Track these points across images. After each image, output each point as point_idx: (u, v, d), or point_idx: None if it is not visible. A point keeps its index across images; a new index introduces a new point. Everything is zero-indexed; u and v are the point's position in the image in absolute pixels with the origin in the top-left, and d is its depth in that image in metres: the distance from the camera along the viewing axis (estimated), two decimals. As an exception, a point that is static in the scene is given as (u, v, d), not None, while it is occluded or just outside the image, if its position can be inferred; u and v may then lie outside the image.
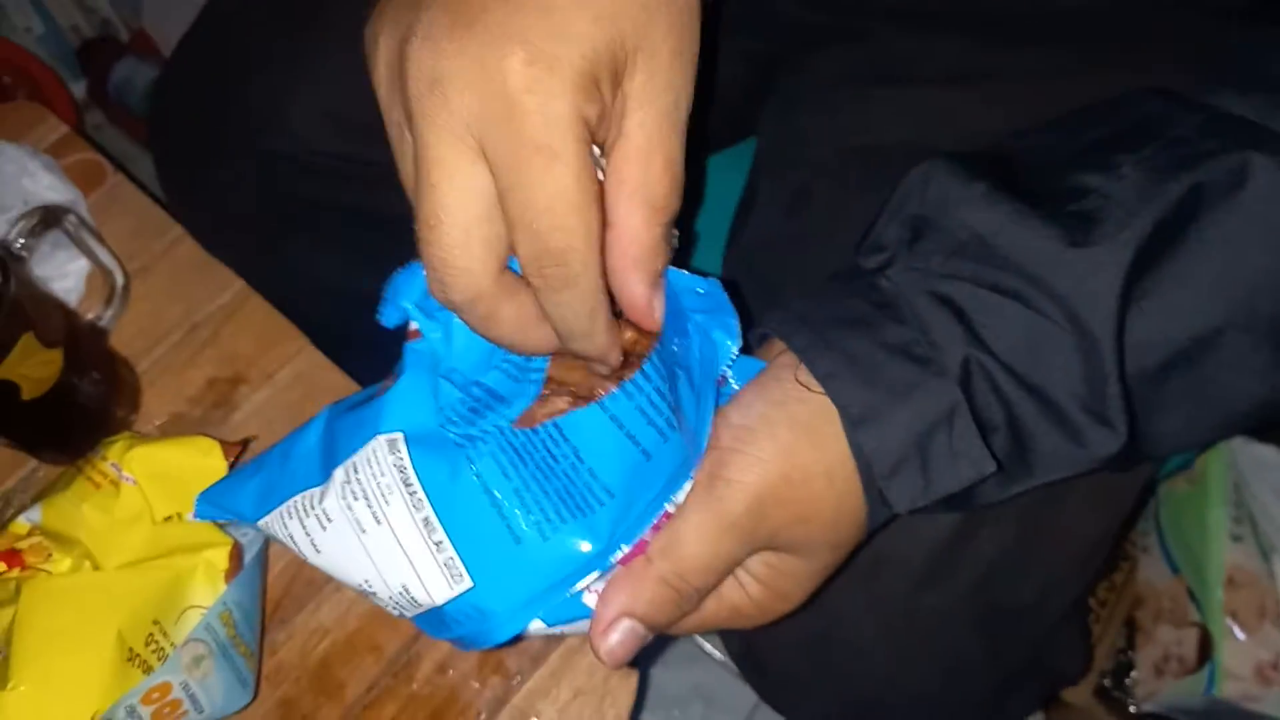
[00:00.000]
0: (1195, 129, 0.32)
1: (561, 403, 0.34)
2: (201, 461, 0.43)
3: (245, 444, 0.47)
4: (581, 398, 0.35)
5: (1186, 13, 0.43)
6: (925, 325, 0.32)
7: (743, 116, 0.56)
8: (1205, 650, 0.81)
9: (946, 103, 0.46)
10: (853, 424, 0.32)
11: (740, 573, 0.34)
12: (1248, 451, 0.85)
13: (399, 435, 0.33)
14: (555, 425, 0.33)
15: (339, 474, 0.34)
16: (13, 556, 0.40)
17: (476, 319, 0.31)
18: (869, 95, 0.48)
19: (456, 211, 0.29)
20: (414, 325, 0.35)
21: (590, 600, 0.33)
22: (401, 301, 0.35)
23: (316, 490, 0.34)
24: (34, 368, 0.43)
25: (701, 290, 0.34)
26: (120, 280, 0.54)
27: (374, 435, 0.34)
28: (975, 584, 0.43)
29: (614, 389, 0.33)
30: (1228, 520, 0.83)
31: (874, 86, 0.48)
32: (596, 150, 0.30)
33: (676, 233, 0.32)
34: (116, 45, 1.23)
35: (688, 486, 0.32)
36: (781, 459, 0.31)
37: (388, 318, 0.35)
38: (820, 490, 0.32)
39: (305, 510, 0.34)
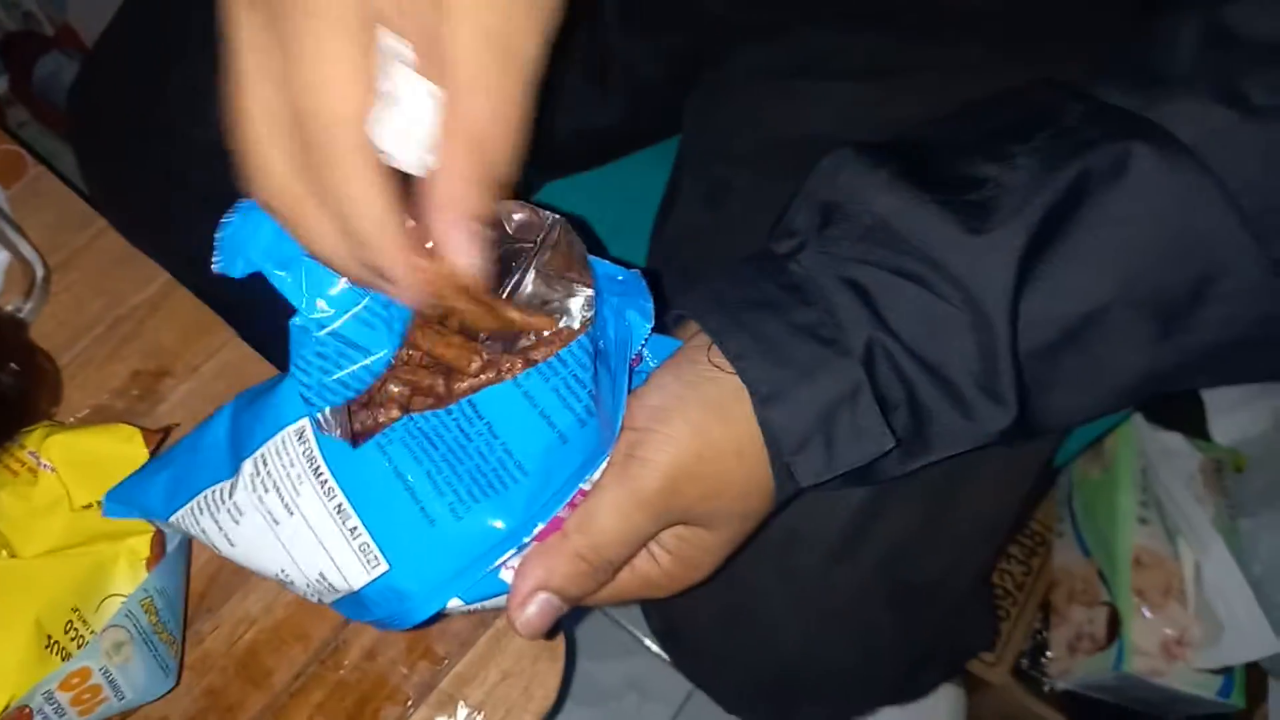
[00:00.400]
0: (1080, 118, 0.34)
1: (421, 377, 0.35)
2: (122, 448, 0.43)
3: (167, 431, 0.47)
4: (441, 378, 0.35)
5: (1082, 9, 0.45)
6: (832, 307, 0.34)
7: (666, 113, 0.57)
8: (1114, 628, 0.85)
9: (862, 96, 0.48)
10: (761, 402, 0.33)
11: (652, 545, 0.35)
12: (1155, 439, 0.89)
13: (305, 423, 0.33)
14: (469, 402, 0.33)
15: (248, 466, 0.34)
16: (-73, 546, 0.40)
17: (286, 223, 0.31)
18: (788, 89, 0.49)
19: (258, 103, 0.29)
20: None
21: (507, 576, 0.34)
22: (249, 252, 0.34)
23: (226, 484, 0.34)
24: (-50, 359, 0.43)
25: (620, 278, 0.35)
26: (40, 272, 0.53)
27: (280, 424, 0.34)
28: (885, 559, 0.44)
29: (528, 367, 0.34)
30: (1135, 505, 0.87)
31: (793, 80, 0.49)
32: (407, 50, 0.29)
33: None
34: (40, 40, 1.20)
35: (603, 465, 0.33)
36: (694, 438, 0.33)
37: (233, 268, 0.34)
38: (731, 467, 0.33)
39: (216, 504, 0.34)
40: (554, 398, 0.33)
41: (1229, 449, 0.92)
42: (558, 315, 0.36)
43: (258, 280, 0.53)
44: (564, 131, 0.56)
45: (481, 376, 0.35)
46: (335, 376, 0.34)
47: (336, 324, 0.35)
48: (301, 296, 0.34)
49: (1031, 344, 0.34)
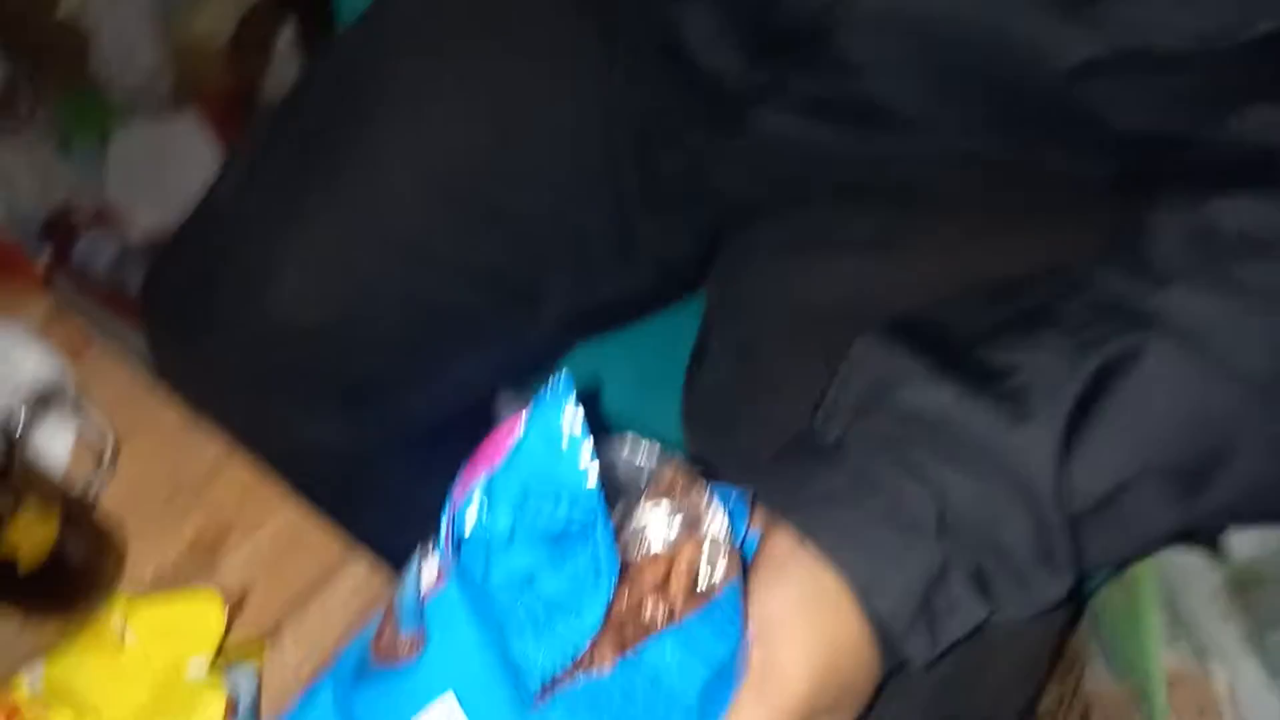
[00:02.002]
0: (1092, 310, 0.39)
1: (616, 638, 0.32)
2: (201, 612, 0.45)
3: (243, 595, 0.49)
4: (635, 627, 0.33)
5: (1059, 194, 0.50)
6: (900, 495, 0.37)
7: (692, 278, 0.62)
8: (1155, 752, 0.84)
9: (872, 265, 0.52)
10: (864, 594, 0.36)
11: None
12: (1174, 558, 0.90)
13: (452, 700, 0.31)
14: (630, 663, 0.32)
15: None
16: (13, 714, 0.41)
17: None
18: (805, 259, 0.54)
19: None
20: (431, 573, 0.33)
21: None
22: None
23: None
24: (30, 539, 0.45)
25: (730, 500, 0.37)
26: (110, 445, 0.56)
27: (420, 707, 0.31)
28: (933, 696, 0.46)
29: (687, 610, 0.32)
30: (1163, 625, 0.87)
31: (809, 251, 0.54)
32: None
33: None
34: (79, 220, 1.27)
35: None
36: (820, 643, 0.35)
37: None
38: (856, 663, 0.36)
39: None
40: (712, 637, 0.33)
41: (1248, 564, 0.93)
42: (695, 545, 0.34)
43: (320, 456, 0.56)
44: (592, 303, 0.60)
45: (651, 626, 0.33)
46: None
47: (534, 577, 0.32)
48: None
49: (1070, 512, 0.37)
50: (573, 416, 0.31)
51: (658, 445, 0.36)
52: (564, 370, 0.33)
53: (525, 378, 0.65)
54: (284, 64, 1.30)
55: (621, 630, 0.32)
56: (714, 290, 0.59)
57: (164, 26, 1.15)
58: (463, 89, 0.55)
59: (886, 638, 0.36)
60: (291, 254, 0.54)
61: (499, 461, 0.32)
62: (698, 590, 0.33)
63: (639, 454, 0.36)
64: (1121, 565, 0.44)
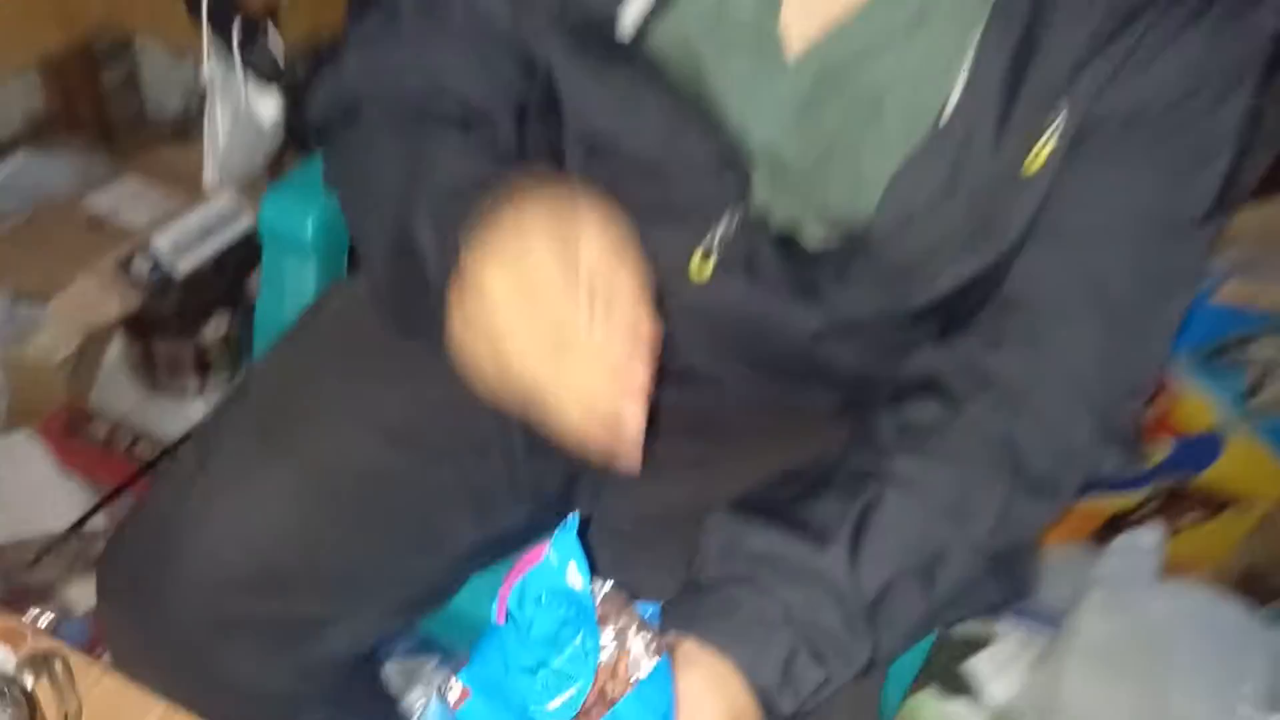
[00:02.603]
0: (850, 476, 0.60)
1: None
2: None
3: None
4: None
5: (811, 416, 0.74)
6: (760, 608, 0.55)
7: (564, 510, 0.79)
8: None
9: (697, 477, 0.72)
10: (747, 672, 0.54)
11: None
12: (945, 707, 1.11)
13: None
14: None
15: None
16: None
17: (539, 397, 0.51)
18: (653, 482, 0.72)
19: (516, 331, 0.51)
20: (455, 693, 0.49)
21: None
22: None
23: None
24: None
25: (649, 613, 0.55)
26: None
27: None
28: None
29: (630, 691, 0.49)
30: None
31: (654, 476, 0.73)
32: None
33: None
34: None
35: None
36: (726, 708, 0.53)
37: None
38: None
39: None
40: (650, 703, 0.49)
41: (1004, 708, 1.15)
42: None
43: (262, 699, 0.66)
44: (486, 540, 0.75)
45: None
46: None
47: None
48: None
49: (863, 605, 0.57)
50: (574, 547, 0.49)
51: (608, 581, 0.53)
52: (571, 516, 0.51)
53: (428, 609, 0.76)
54: (110, 378, 1.39)
55: (595, 704, 0.49)
56: (580, 505, 0.76)
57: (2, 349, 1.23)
58: (376, 401, 0.69)
59: (765, 700, 0.54)
60: (223, 513, 0.65)
61: (529, 571, 0.49)
62: (632, 679, 0.50)
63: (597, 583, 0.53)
64: (906, 650, 0.63)
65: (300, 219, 0.76)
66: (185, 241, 1.24)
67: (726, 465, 0.73)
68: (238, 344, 1.41)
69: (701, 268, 0.65)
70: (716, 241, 0.64)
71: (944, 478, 0.59)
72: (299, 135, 1.09)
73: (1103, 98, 0.55)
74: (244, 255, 1.35)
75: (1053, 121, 0.55)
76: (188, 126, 1.74)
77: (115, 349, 1.37)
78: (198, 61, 1.69)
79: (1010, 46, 0.55)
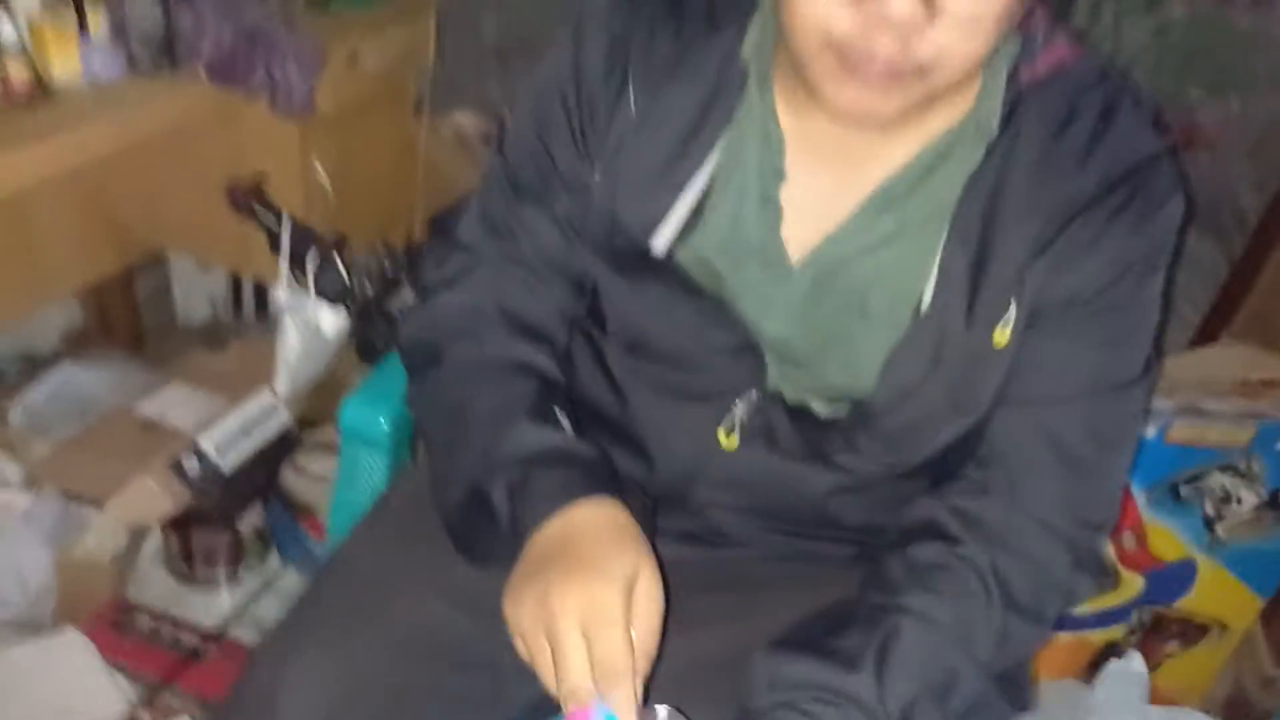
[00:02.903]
0: (870, 609, 0.70)
1: None
2: None
3: None
4: None
5: (828, 565, 0.84)
6: None
7: None
8: None
9: (733, 631, 0.80)
10: None
11: None
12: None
13: None
14: None
15: None
16: None
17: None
18: (691, 636, 0.81)
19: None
20: None
21: None
22: None
23: None
24: None
25: None
26: None
27: None
28: None
29: None
30: None
31: (691, 631, 0.82)
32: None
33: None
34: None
35: None
36: None
37: None
38: None
39: None
40: None
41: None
42: None
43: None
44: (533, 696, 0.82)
45: None
46: None
47: None
48: None
49: None
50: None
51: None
52: None
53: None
54: (146, 571, 1.46)
55: None
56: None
57: (54, 548, 1.31)
58: (446, 571, 0.78)
59: None
60: (288, 678, 0.73)
61: None
62: None
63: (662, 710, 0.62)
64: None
65: (375, 420, 0.88)
66: (229, 439, 1.35)
67: (757, 616, 0.82)
68: (269, 534, 1.50)
69: (729, 440, 0.77)
70: (740, 417, 0.76)
71: (949, 608, 0.69)
72: (362, 348, 1.23)
73: (1046, 288, 0.69)
74: (279, 449, 1.46)
75: (1009, 308, 0.69)
76: (217, 331, 1.89)
77: (153, 542, 1.45)
78: (229, 271, 1.86)
79: (969, 251, 0.70)
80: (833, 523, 0.81)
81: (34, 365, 1.63)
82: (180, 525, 1.40)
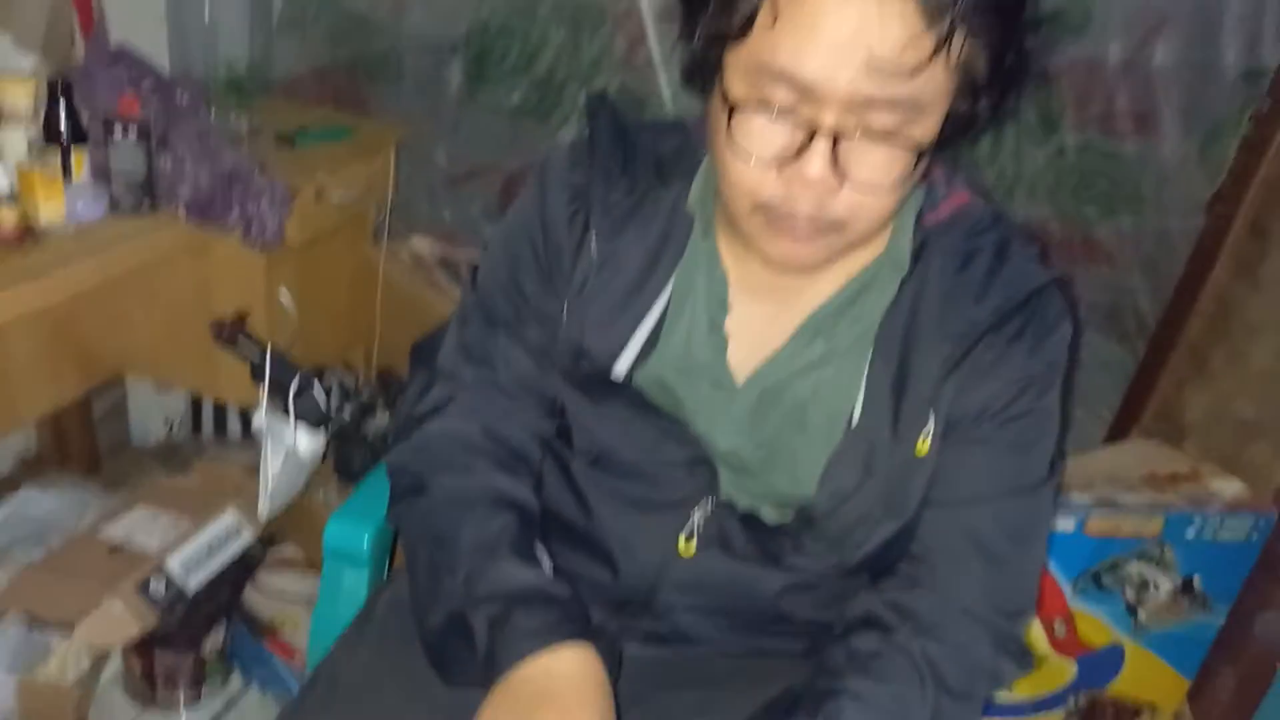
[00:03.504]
0: (816, 692, 0.77)
1: None
2: None
3: None
4: None
5: (781, 659, 0.91)
6: None
7: None
8: None
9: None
10: None
11: None
12: None
13: None
14: None
15: None
16: None
17: None
18: (672, 715, 0.86)
19: None
20: None
21: None
22: None
23: None
24: None
25: None
26: None
27: None
28: None
29: None
30: None
31: (668, 709, 0.87)
32: None
33: None
34: None
35: None
36: None
37: None
38: None
39: None
40: None
41: None
42: None
43: None
44: None
45: None
46: None
47: None
48: None
49: None
50: None
51: None
52: None
53: None
54: (105, 694, 1.46)
55: None
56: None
57: (17, 673, 1.30)
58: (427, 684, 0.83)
59: None
60: None
61: None
62: None
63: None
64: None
65: (358, 539, 0.94)
66: (195, 560, 1.38)
67: (718, 711, 0.88)
68: (231, 653, 1.51)
69: (688, 546, 0.84)
70: (697, 525, 0.84)
71: (886, 691, 0.77)
72: (341, 469, 1.29)
73: (958, 403, 0.79)
74: (240, 568, 1.49)
75: (928, 421, 0.79)
76: (174, 451, 1.91)
77: (114, 665, 1.45)
78: (190, 392, 1.89)
79: (891, 371, 0.79)
80: (785, 619, 0.88)
81: (-11, 491, 1.64)
82: (142, 647, 1.41)
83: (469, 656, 0.76)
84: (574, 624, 0.75)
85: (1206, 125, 1.69)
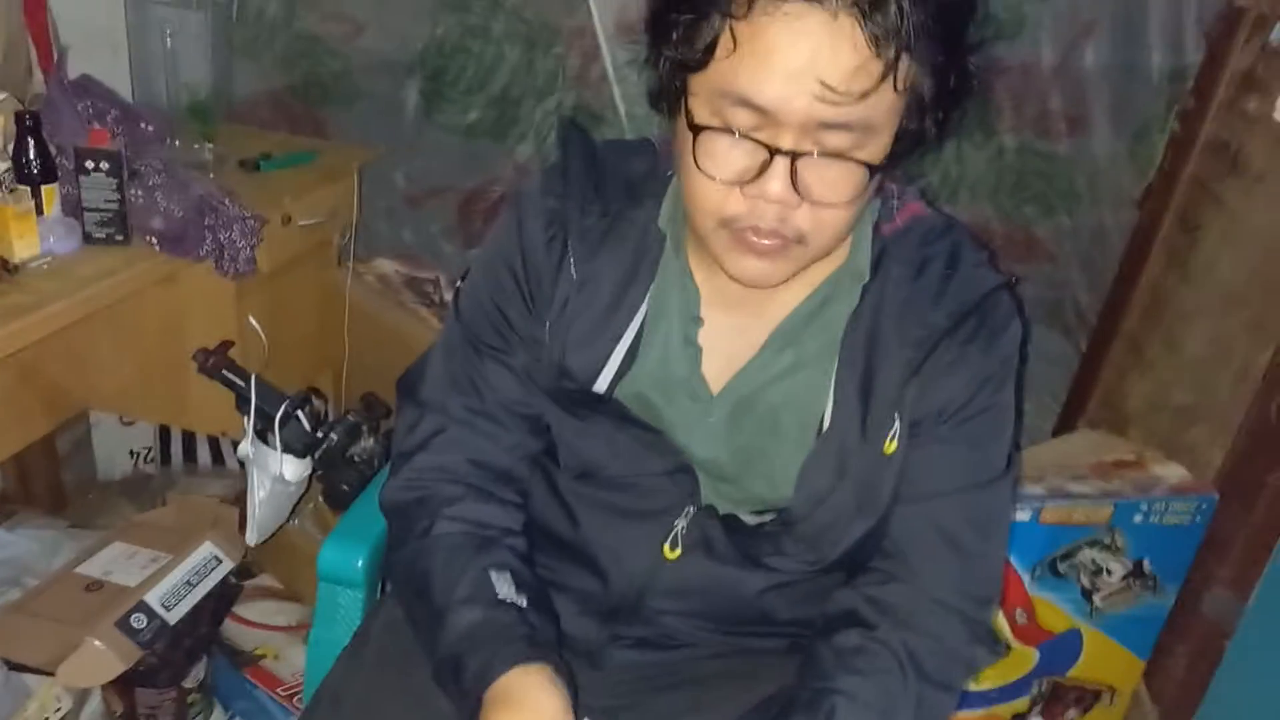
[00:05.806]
0: (809, 692, 0.81)
1: None
2: None
3: None
4: None
5: (766, 657, 0.94)
6: None
7: None
8: None
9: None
10: None
11: None
12: None
13: None
14: None
15: None
16: None
17: None
18: (663, 716, 0.90)
19: None
20: None
21: None
22: None
23: None
24: None
25: None
26: None
27: None
28: None
29: None
30: None
31: (658, 711, 0.90)
32: None
33: None
34: None
35: None
36: None
37: None
38: None
39: None
40: None
41: None
42: None
43: None
44: None
45: None
46: None
47: None
48: None
49: None
50: None
51: None
52: None
53: None
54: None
55: None
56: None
57: (-2, 720, 1.29)
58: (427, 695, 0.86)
59: None
60: None
61: None
62: None
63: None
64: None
65: (352, 562, 0.96)
66: (175, 594, 1.38)
67: (707, 710, 0.91)
68: (212, 687, 1.51)
69: (673, 553, 0.88)
70: (680, 531, 0.88)
71: (872, 686, 0.81)
72: (330, 495, 1.30)
73: (920, 404, 0.84)
74: (219, 601, 1.49)
75: (894, 423, 0.83)
76: (141, 484, 1.90)
77: (93, 704, 1.45)
78: (159, 424, 1.88)
79: (857, 376, 0.84)
80: (767, 619, 0.92)
81: (-44, 533, 1.63)
82: (123, 685, 1.41)
83: (461, 691, 0.80)
84: (515, 645, 0.78)
85: (1135, 124, 1.77)
